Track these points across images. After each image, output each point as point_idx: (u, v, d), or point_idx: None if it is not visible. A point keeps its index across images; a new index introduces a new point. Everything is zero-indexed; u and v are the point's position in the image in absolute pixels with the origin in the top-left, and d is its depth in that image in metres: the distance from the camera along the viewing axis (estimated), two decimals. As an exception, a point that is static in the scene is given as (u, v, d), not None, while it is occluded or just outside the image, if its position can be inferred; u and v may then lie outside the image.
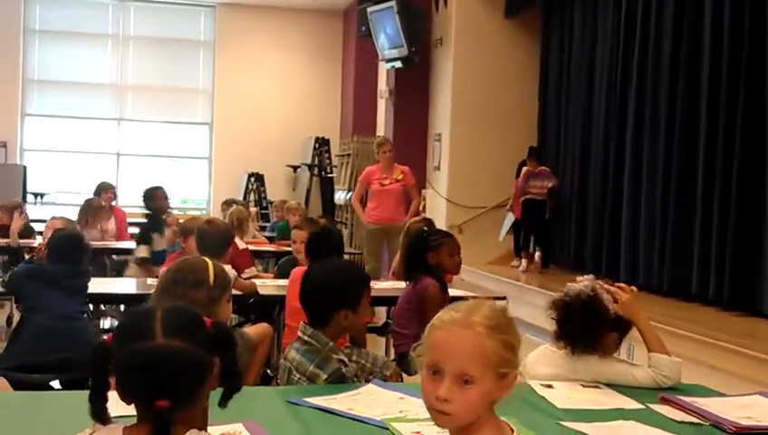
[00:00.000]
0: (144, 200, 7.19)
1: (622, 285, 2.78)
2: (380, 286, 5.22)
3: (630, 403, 2.48)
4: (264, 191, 14.19)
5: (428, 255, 4.24)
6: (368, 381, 2.70)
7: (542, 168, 9.24)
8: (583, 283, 2.73)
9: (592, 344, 2.68)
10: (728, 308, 6.47)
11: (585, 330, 2.67)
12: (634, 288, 2.79)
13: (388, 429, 2.15)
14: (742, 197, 6.39)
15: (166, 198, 7.26)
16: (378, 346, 4.93)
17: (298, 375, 2.67)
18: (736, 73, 6.53)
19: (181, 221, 6.08)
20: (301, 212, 8.59)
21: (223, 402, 1.59)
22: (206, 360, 1.53)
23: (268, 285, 5.14)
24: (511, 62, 10.36)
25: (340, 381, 2.61)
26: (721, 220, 6.61)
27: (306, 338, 2.72)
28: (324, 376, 2.61)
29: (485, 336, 1.55)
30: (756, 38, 6.34)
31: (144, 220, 7.30)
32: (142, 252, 6.56)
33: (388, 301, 4.87)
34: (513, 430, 1.63)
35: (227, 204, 8.76)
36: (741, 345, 4.98)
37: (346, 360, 2.71)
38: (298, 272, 4.48)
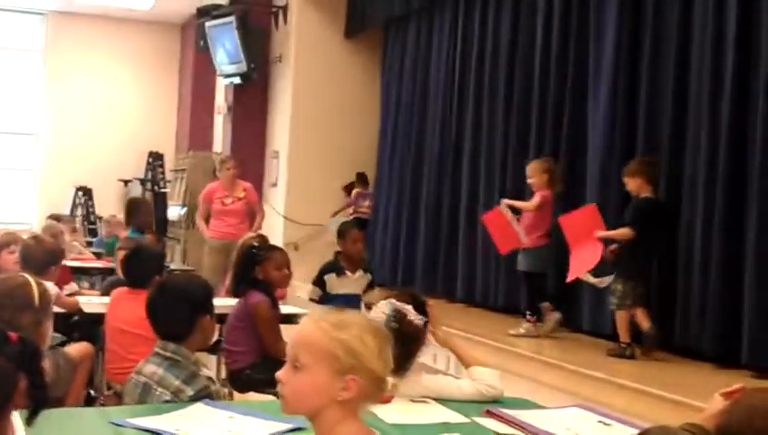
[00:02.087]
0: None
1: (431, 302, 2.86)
2: (215, 303, 5.10)
3: (456, 417, 2.53)
4: (93, 206, 13.70)
5: (256, 269, 4.22)
6: None
7: (368, 191, 10.06)
8: (382, 309, 2.63)
9: (407, 364, 2.62)
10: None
11: (407, 355, 2.59)
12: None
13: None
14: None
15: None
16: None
17: (161, 390, 2.60)
18: (562, 88, 6.77)
19: None
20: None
21: (30, 419, 1.52)
22: (11, 376, 1.46)
23: (93, 302, 4.94)
24: (351, 80, 10.44)
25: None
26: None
27: (168, 354, 2.66)
28: (191, 392, 2.57)
29: (322, 331, 1.68)
30: (581, 57, 6.63)
31: None
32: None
33: (220, 318, 4.77)
34: None
35: (52, 219, 8.46)
36: (563, 360, 5.19)
37: (214, 377, 2.67)
38: (119, 293, 4.32)
